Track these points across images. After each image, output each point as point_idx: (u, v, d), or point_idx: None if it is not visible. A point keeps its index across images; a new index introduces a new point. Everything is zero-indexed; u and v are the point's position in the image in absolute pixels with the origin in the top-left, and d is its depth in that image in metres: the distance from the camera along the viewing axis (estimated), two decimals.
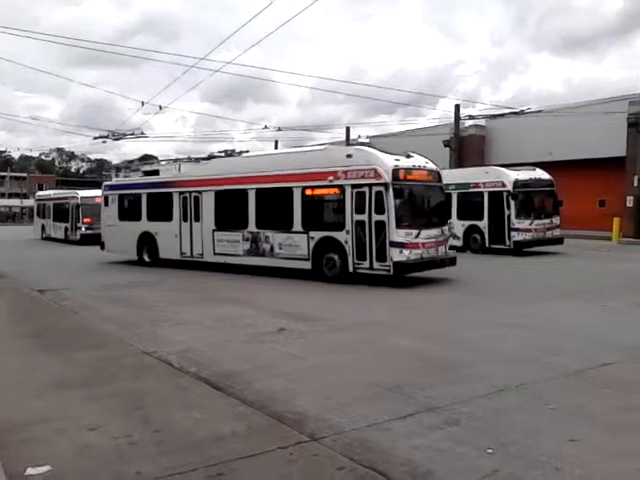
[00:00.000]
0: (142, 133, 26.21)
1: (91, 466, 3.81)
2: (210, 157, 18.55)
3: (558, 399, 4.90)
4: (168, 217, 16.53)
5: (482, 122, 31.21)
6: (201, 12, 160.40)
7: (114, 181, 21.08)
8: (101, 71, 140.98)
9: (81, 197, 28.32)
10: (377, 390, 5.20)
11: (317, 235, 12.97)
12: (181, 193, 16.28)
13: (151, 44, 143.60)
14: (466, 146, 30.83)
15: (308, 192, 13.32)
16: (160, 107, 23.68)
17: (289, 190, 13.53)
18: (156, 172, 17.80)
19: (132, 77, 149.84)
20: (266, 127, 30.17)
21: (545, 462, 3.68)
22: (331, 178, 12.72)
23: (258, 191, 14.35)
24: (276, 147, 45.04)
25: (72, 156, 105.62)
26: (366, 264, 12.12)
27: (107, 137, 26.71)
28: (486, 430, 4.25)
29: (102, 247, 19.04)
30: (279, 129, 30.45)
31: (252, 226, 14.44)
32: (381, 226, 11.82)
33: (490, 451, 3.86)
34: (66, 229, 29.31)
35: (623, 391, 5.16)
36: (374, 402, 4.88)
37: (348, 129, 38.38)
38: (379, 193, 11.85)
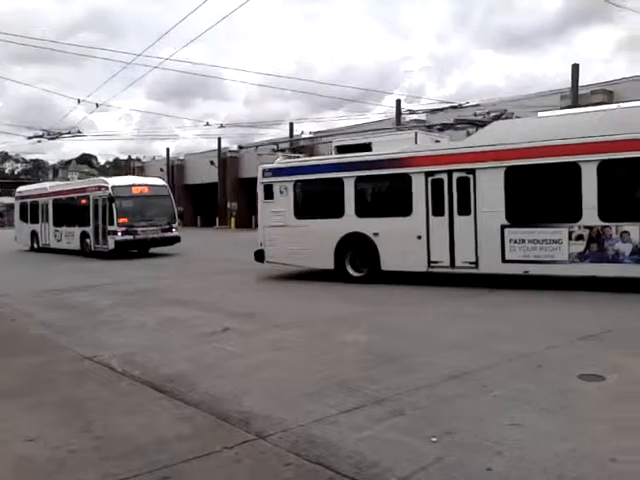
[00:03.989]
0: (79, 132, 25.35)
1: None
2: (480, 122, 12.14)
3: (501, 385, 5.04)
4: (401, 210, 11.81)
5: (423, 117, 31.77)
6: (147, 7, 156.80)
7: (282, 162, 13.96)
8: (43, 69, 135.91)
9: (113, 187, 20.73)
10: (323, 385, 5.21)
11: None
12: (429, 174, 11.45)
13: (95, 40, 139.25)
14: None
15: None
16: (97, 105, 23.11)
17: None
18: (366, 146, 12.77)
19: (75, 75, 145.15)
20: (208, 124, 29.86)
21: (487, 447, 3.77)
22: None
23: (603, 164, 9.77)
24: (219, 145, 44.54)
25: (5, 157, 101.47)
26: None
27: (42, 137, 25.68)
28: (430, 419, 4.32)
29: (259, 258, 13.79)
30: (221, 126, 30.21)
31: (591, 217, 9.91)
32: None
33: (434, 439, 3.92)
34: (85, 236, 21.81)
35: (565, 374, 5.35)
36: (321, 398, 4.88)
37: (291, 125, 38.39)
38: None
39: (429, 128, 13.50)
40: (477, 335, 7.04)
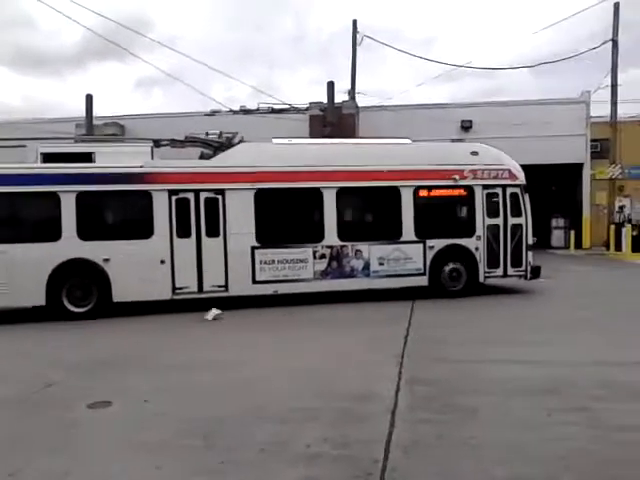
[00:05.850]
0: None
1: None
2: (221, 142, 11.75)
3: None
4: (140, 232, 10.62)
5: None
6: None
7: None
8: None
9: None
10: None
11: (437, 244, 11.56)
12: (173, 193, 10.64)
13: None
14: None
15: (423, 193, 11.63)
16: None
17: (394, 190, 11.45)
18: (86, 156, 10.71)
19: None
20: None
21: None
22: (456, 177, 11.60)
23: (341, 191, 11.24)
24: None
25: None
26: (499, 271, 11.90)
27: None
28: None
29: None
30: None
31: (331, 238, 11.14)
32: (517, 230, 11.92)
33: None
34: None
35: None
36: None
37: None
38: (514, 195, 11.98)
39: (155, 143, 11.54)
40: None
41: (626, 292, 12.49)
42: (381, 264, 11.39)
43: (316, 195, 11.21)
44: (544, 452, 4.03)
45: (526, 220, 11.95)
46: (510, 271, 11.94)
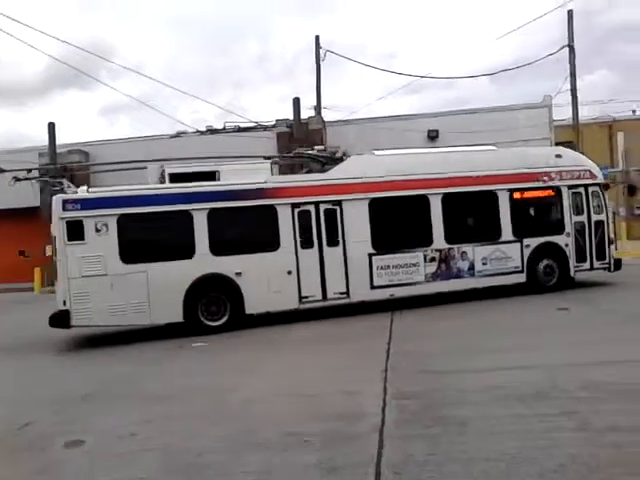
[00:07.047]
0: None
1: None
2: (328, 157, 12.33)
3: None
4: (267, 245, 10.99)
5: None
6: None
7: (95, 192, 10.99)
8: None
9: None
10: None
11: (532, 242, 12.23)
12: (295, 206, 11.13)
13: None
14: None
15: (517, 195, 12.30)
16: None
17: (493, 194, 12.12)
18: (210, 175, 11.56)
19: None
20: None
21: None
22: (545, 178, 12.42)
23: (445, 197, 11.81)
24: None
25: None
26: (586, 265, 12.57)
27: None
28: None
29: (60, 322, 10.12)
30: None
31: (439, 241, 11.72)
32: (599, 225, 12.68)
33: None
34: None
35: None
36: None
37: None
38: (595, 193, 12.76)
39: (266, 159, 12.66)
40: None
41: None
42: (484, 264, 11.93)
43: (423, 201, 11.74)
44: (540, 462, 3.91)
45: (607, 216, 12.95)
46: (596, 264, 12.72)
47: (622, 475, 3.71)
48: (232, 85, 73.91)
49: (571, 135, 24.45)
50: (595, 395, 5.24)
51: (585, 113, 26.69)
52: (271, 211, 10.99)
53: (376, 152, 12.48)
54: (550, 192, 12.55)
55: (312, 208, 11.22)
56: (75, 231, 10.09)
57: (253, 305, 10.73)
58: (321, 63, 26.21)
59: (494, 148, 13.49)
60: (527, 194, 12.46)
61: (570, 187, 12.55)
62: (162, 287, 10.18)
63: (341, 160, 12.06)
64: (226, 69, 71.08)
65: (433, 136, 25.08)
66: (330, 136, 24.40)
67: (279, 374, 7.28)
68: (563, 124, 26.07)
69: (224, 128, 24.20)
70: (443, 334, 9.09)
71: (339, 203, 11.32)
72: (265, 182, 11.16)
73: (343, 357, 7.93)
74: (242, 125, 24.17)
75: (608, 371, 6.03)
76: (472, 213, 12.52)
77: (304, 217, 11.15)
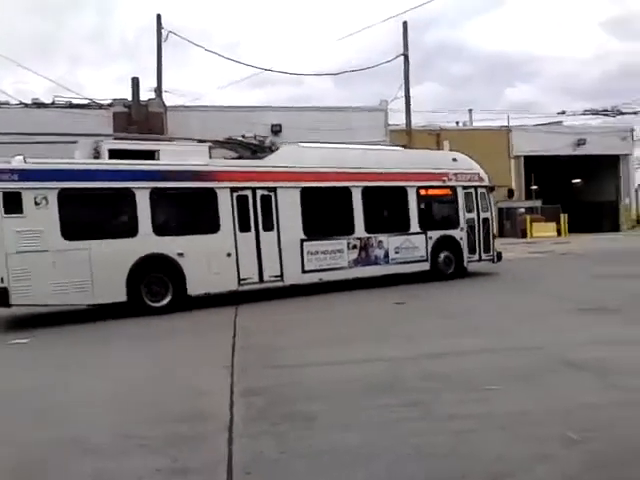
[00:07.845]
0: None
1: None
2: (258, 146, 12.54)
3: None
4: (208, 227, 11.05)
5: None
6: None
7: (34, 163, 9.81)
8: None
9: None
10: None
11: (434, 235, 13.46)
12: (234, 190, 11.24)
13: None
14: None
15: (423, 192, 13.53)
16: None
17: (403, 189, 13.26)
18: (150, 154, 10.96)
19: None
20: None
21: None
22: (445, 179, 13.71)
23: (365, 190, 12.71)
24: None
25: None
26: (476, 257, 14.13)
27: None
28: None
29: None
30: None
31: (360, 231, 12.58)
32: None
33: None
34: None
35: None
36: None
37: None
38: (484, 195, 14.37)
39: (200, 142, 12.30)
40: None
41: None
42: (397, 252, 13.00)
43: (347, 193, 12.57)
44: (387, 452, 3.98)
45: (491, 214, 14.82)
46: (483, 256, 14.33)
47: (462, 459, 3.88)
48: (67, 59, 68.02)
49: (405, 139, 26.02)
50: (435, 386, 5.50)
51: (415, 121, 28.49)
52: (212, 194, 11.12)
53: (301, 144, 12.98)
54: (448, 191, 14.00)
55: (250, 193, 11.51)
56: (12, 203, 9.37)
57: (194, 286, 10.69)
58: (163, 44, 25.00)
59: (401, 149, 15.27)
60: (431, 191, 13.92)
61: (464, 187, 14.08)
62: (105, 265, 9.85)
63: (270, 149, 12.44)
64: (60, 40, 65.24)
65: (276, 130, 25.25)
66: (171, 121, 23.50)
67: (112, 373, 6.70)
68: (397, 129, 27.67)
69: (53, 103, 22.12)
70: (289, 327, 9.05)
71: (274, 190, 11.72)
72: (207, 165, 11.25)
73: (187, 352, 7.58)
74: (75, 102, 22.27)
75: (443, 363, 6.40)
76: (387, 206, 13.62)
77: (242, 201, 11.39)
